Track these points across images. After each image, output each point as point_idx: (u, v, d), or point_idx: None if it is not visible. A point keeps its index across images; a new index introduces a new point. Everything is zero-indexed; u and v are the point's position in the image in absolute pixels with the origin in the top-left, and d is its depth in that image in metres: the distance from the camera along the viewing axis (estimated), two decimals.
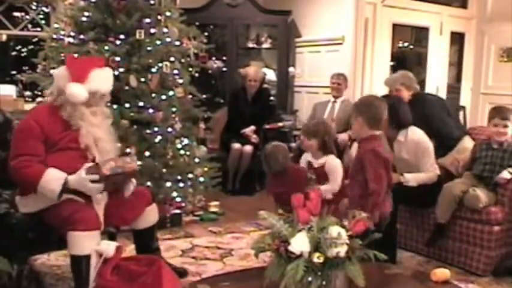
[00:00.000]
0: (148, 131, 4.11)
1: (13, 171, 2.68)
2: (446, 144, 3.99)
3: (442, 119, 4.12)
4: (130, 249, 3.41)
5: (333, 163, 3.65)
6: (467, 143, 3.97)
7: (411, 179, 3.54)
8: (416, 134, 3.65)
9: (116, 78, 4.08)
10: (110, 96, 3.01)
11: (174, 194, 4.22)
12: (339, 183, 3.59)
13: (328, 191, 3.49)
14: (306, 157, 3.77)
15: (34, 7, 5.74)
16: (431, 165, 3.62)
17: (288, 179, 3.53)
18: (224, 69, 6.70)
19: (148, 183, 3.97)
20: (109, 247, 2.65)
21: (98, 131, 2.81)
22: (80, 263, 2.61)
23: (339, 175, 3.61)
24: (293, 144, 5.58)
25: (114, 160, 2.75)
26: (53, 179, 2.64)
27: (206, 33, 6.05)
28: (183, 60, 4.50)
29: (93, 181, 2.64)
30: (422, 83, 6.56)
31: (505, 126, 3.49)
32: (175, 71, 4.35)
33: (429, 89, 6.76)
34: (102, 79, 2.87)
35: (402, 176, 3.52)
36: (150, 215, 3.08)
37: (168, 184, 4.18)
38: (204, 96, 5.20)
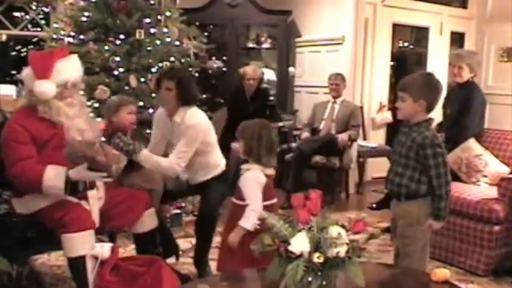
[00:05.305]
0: (148, 131, 4.11)
1: (14, 179, 2.64)
2: (455, 138, 3.96)
3: (476, 111, 4.04)
4: (130, 249, 3.41)
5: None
6: (472, 143, 3.97)
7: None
8: (195, 117, 3.11)
9: (116, 78, 4.10)
10: (82, 83, 2.95)
11: None
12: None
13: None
14: None
15: (34, 7, 5.73)
16: (179, 154, 3.03)
17: None
18: (224, 69, 6.69)
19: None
20: (103, 249, 2.65)
21: (79, 122, 2.74)
22: (77, 264, 2.60)
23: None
24: (293, 144, 5.59)
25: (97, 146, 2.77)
26: (55, 174, 2.60)
27: (206, 33, 6.05)
28: (183, 60, 4.51)
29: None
30: None
31: (402, 100, 2.62)
32: None
33: None
34: (68, 68, 2.75)
35: None
36: (149, 220, 3.04)
37: None
38: (204, 96, 5.20)
